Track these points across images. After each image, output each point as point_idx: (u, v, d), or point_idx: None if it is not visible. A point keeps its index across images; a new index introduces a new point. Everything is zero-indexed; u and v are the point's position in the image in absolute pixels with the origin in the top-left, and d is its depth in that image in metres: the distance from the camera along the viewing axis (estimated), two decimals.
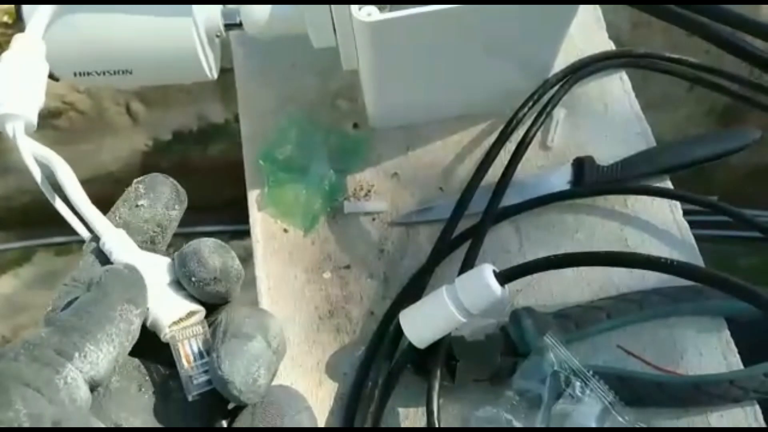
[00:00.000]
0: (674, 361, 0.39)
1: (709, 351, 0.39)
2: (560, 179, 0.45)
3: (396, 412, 0.38)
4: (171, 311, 0.24)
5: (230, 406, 0.25)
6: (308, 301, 0.42)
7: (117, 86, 0.97)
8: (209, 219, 1.28)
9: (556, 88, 0.46)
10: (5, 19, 0.98)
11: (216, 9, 0.38)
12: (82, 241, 0.26)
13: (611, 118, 0.48)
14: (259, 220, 0.45)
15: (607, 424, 0.34)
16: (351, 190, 0.45)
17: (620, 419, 0.34)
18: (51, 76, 0.32)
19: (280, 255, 0.44)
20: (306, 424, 0.24)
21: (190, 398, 0.23)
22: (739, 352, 0.39)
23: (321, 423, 0.38)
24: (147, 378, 0.25)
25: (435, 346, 0.36)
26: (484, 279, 0.33)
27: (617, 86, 0.49)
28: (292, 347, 0.41)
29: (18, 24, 0.34)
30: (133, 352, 0.24)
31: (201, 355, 0.24)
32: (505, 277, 0.33)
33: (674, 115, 1.13)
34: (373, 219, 0.45)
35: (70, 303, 0.23)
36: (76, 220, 0.26)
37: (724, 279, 0.29)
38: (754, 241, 1.17)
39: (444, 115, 0.47)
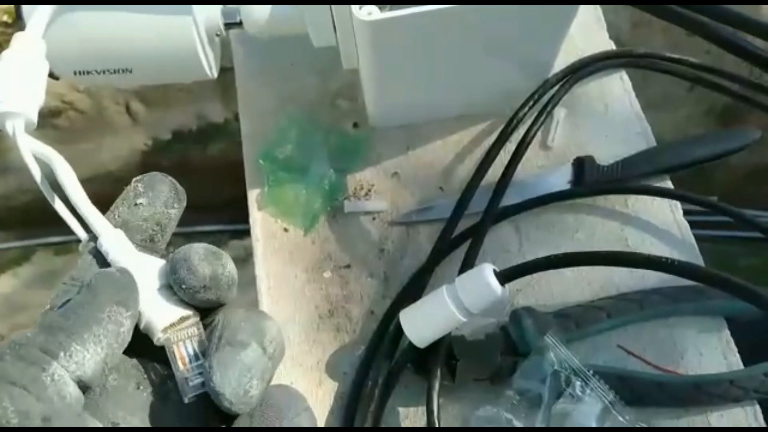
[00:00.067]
0: (674, 361, 0.39)
1: (710, 351, 0.39)
2: (560, 179, 0.45)
3: (396, 411, 0.38)
4: (164, 315, 0.24)
5: None
6: (308, 300, 0.42)
7: (117, 85, 0.97)
8: (209, 218, 1.28)
9: (556, 87, 0.46)
10: (5, 18, 0.97)
11: (216, 8, 0.38)
12: (81, 241, 0.26)
13: (611, 117, 0.48)
14: (259, 219, 0.45)
15: (607, 424, 0.34)
16: (351, 190, 0.45)
17: (620, 419, 0.34)
18: (51, 75, 0.32)
19: (280, 254, 0.44)
20: (305, 425, 0.24)
21: (186, 400, 0.23)
22: (739, 352, 0.39)
23: (321, 422, 0.38)
24: (145, 376, 0.25)
25: (435, 346, 0.36)
26: (484, 278, 0.33)
27: (617, 86, 0.49)
28: (292, 346, 0.41)
29: (17, 23, 0.34)
30: (132, 352, 0.24)
31: (196, 356, 0.24)
32: (505, 276, 0.33)
33: (674, 115, 1.13)
34: (374, 218, 0.45)
35: (67, 302, 0.23)
36: (73, 219, 0.26)
37: (725, 279, 0.29)
38: (753, 241, 1.17)
39: (444, 114, 0.47)
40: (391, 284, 0.42)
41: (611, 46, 0.50)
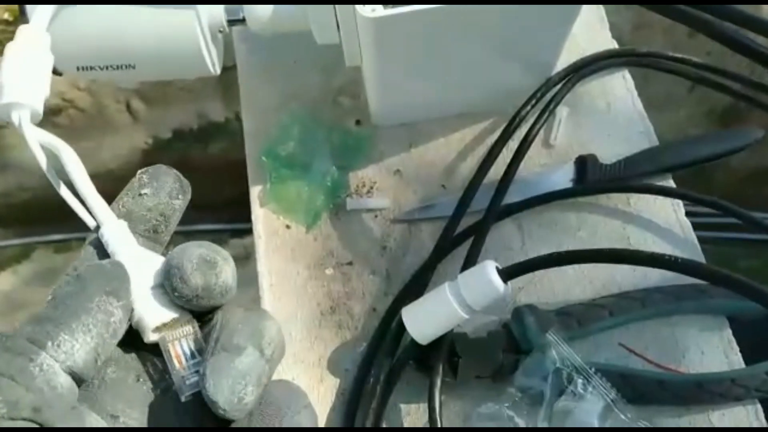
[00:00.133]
0: (676, 360, 0.39)
1: (711, 349, 0.39)
2: (563, 177, 0.45)
3: (398, 408, 0.38)
4: (156, 314, 0.24)
5: None
6: (310, 297, 0.42)
7: (120, 81, 0.97)
8: (209, 217, 1.28)
9: (558, 86, 0.46)
10: (6, 16, 0.97)
11: (219, 5, 0.38)
12: (82, 239, 0.26)
13: (614, 116, 0.48)
14: (261, 216, 0.45)
15: (609, 422, 0.34)
16: (353, 187, 0.45)
17: (622, 417, 0.34)
18: (54, 71, 0.32)
19: (282, 251, 0.44)
20: (305, 423, 0.24)
21: (183, 399, 0.23)
22: (741, 351, 0.39)
23: (322, 419, 0.38)
24: (145, 369, 0.24)
25: (437, 343, 0.36)
26: (486, 276, 0.33)
27: (620, 85, 0.49)
28: (294, 343, 0.41)
29: (18, 21, 0.34)
30: (132, 347, 0.24)
31: (193, 355, 0.23)
32: (507, 274, 0.33)
33: (675, 115, 1.13)
34: (376, 216, 0.45)
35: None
36: (80, 206, 0.26)
37: (728, 276, 0.29)
38: (754, 243, 1.17)
39: (447, 112, 0.47)
40: (393, 281, 0.42)
41: (614, 45, 0.50)
